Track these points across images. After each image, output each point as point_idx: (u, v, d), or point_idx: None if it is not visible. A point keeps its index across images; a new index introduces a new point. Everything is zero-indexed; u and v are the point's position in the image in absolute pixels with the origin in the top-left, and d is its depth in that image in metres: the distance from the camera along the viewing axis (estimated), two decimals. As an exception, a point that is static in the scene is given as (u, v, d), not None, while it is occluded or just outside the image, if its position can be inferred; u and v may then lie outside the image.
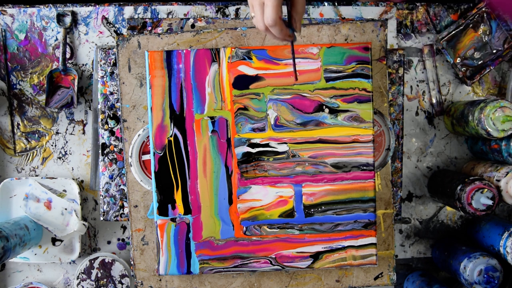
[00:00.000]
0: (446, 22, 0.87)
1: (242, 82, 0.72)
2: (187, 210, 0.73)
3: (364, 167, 0.73)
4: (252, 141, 0.73)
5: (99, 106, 0.79)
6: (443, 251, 0.84)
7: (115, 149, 0.79)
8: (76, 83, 0.81)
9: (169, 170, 0.72)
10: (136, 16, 0.83)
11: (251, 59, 0.72)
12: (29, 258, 0.82)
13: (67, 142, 0.84)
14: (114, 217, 0.80)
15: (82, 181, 0.85)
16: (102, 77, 0.79)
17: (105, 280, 0.81)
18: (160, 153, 0.72)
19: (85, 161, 0.84)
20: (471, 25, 0.85)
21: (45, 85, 0.82)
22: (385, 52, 0.76)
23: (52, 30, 0.83)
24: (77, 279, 0.81)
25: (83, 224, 0.80)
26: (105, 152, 0.80)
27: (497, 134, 0.75)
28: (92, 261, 0.81)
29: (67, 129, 0.84)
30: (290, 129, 0.72)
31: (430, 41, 0.87)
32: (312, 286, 0.77)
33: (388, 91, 0.78)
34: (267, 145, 0.73)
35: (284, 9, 0.71)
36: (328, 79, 0.72)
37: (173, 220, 0.73)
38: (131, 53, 0.75)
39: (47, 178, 0.82)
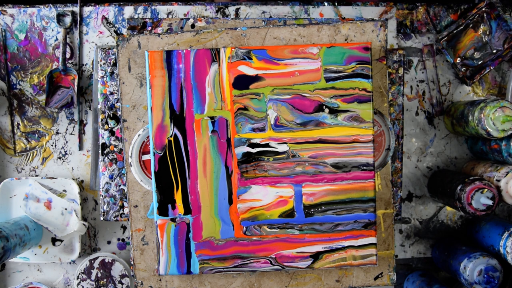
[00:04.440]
0: (446, 22, 0.87)
1: (242, 82, 0.72)
2: (187, 210, 0.73)
3: (364, 167, 0.73)
4: (252, 141, 0.73)
5: (99, 106, 0.79)
6: (443, 251, 0.84)
7: (115, 149, 0.79)
8: (76, 83, 0.81)
9: (169, 170, 0.72)
10: (136, 16, 0.83)
11: (251, 59, 0.72)
12: (29, 258, 0.82)
13: (67, 142, 0.84)
14: (114, 217, 0.80)
15: (82, 181, 0.85)
16: (102, 77, 0.79)
17: (105, 280, 0.81)
18: (160, 153, 0.72)
19: (85, 161, 0.84)
20: (471, 25, 0.85)
21: (45, 85, 0.82)
22: (385, 52, 0.76)
23: (52, 30, 0.83)
24: (77, 279, 0.81)
25: (83, 224, 0.80)
26: (105, 152, 0.80)
27: (497, 134, 0.75)
28: (92, 261, 0.81)
29: (67, 129, 0.84)
30: (290, 129, 0.72)
31: (430, 41, 0.87)
32: (312, 286, 0.77)
33: (388, 91, 0.78)
34: (267, 145, 0.73)
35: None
36: (328, 79, 0.72)
37: (173, 220, 0.73)
38: (131, 53, 0.75)
39: (47, 178, 0.82)
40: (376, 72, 0.76)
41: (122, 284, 0.81)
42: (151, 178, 0.75)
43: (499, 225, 0.80)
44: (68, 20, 0.82)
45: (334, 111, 0.72)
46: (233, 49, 0.72)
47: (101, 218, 0.80)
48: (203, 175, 0.73)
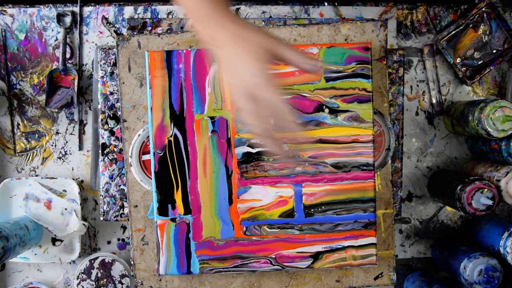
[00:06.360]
0: (446, 22, 0.87)
1: (242, 82, 0.72)
2: (187, 210, 0.73)
3: (364, 167, 0.73)
4: (252, 141, 0.72)
5: (99, 106, 0.79)
6: (443, 251, 0.84)
7: (115, 149, 0.79)
8: (76, 83, 0.81)
9: (169, 170, 0.72)
10: (136, 16, 0.83)
11: (251, 59, 0.72)
12: (29, 258, 0.82)
13: (67, 142, 0.84)
14: (114, 217, 0.80)
15: (82, 181, 0.85)
16: (102, 77, 0.79)
17: (105, 280, 0.81)
18: (160, 153, 0.72)
19: (85, 161, 0.84)
20: (471, 25, 0.85)
21: (45, 85, 0.82)
22: (385, 52, 0.76)
23: (52, 30, 0.83)
24: (77, 279, 0.81)
25: (83, 224, 0.80)
26: (105, 152, 0.80)
27: (497, 134, 0.75)
28: (92, 261, 0.81)
29: (67, 129, 0.84)
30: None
31: (430, 41, 0.87)
32: (312, 286, 0.77)
33: (388, 91, 0.78)
34: (267, 145, 0.72)
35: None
36: (328, 79, 0.72)
37: (173, 220, 0.73)
38: (131, 53, 0.75)
39: (47, 178, 0.82)
40: (376, 72, 0.76)
41: (122, 284, 0.81)
42: (151, 178, 0.75)
43: (499, 225, 0.80)
44: (68, 20, 0.82)
45: (334, 111, 0.72)
46: (233, 49, 0.72)
47: (101, 218, 0.80)
48: (203, 175, 0.73)
